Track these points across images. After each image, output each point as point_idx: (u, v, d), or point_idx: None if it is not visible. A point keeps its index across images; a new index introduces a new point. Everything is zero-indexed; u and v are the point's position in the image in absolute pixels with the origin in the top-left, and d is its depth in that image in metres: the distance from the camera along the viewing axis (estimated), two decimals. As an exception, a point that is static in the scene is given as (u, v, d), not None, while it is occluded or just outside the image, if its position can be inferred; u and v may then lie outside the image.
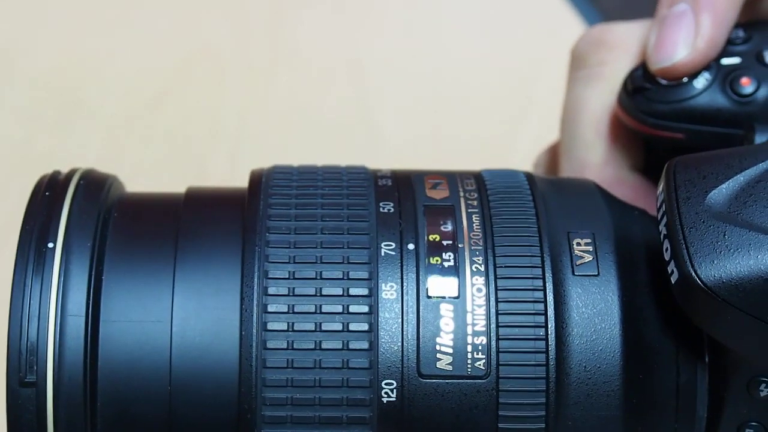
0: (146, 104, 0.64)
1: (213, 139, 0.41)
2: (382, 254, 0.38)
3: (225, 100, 0.66)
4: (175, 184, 0.43)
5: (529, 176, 0.41)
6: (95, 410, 0.37)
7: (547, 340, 0.37)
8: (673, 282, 0.37)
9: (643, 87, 0.44)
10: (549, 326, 0.37)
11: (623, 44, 0.46)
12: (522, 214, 0.39)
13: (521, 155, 0.42)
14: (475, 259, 0.38)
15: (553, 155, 0.50)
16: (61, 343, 0.37)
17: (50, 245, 0.38)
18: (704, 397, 0.38)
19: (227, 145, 0.39)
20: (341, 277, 0.37)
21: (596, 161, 0.45)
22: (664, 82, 0.43)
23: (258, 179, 0.41)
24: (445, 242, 0.38)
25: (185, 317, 0.37)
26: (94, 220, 0.39)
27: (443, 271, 0.38)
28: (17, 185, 0.63)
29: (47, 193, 0.40)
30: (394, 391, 0.37)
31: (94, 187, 0.41)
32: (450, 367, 0.37)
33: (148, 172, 0.58)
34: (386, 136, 0.42)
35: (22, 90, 0.70)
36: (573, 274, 0.38)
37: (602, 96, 0.46)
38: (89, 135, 0.39)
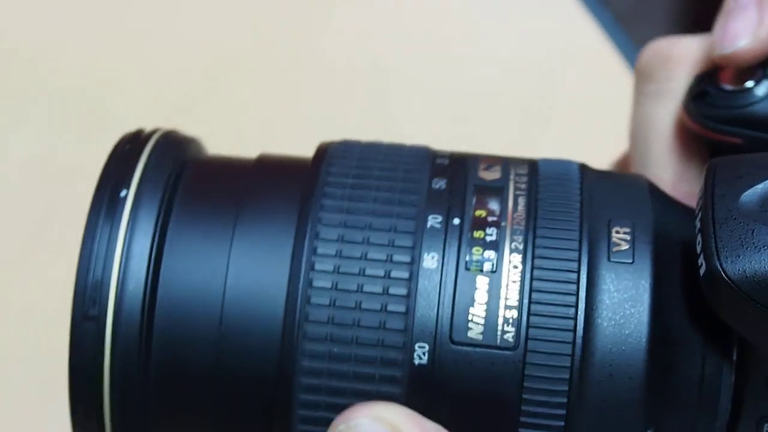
0: (172, 113, 0.66)
1: (240, 145, 0.43)
2: (428, 226, 0.40)
3: (251, 107, 0.68)
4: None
5: (582, 167, 0.43)
6: (150, 348, 0.40)
7: (575, 319, 0.38)
8: (701, 275, 0.38)
9: (706, 91, 0.45)
10: (579, 306, 0.38)
11: (689, 58, 0.46)
12: (567, 200, 0.41)
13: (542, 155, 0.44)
14: (515, 237, 0.40)
15: (623, 167, 0.51)
16: (123, 283, 0.40)
17: (123, 194, 0.41)
18: (729, 390, 0.39)
19: (254, 151, 0.42)
20: (386, 243, 0.40)
21: (669, 178, 0.46)
22: (728, 87, 0.44)
23: (324, 150, 0.43)
24: (489, 219, 0.40)
25: (239, 269, 0.40)
26: (166, 174, 0.42)
27: (484, 246, 0.39)
28: (43, 196, 0.66)
29: (127, 147, 0.43)
30: (426, 354, 0.39)
31: (172, 144, 0.44)
32: (480, 337, 0.39)
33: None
34: (409, 140, 0.44)
35: (47, 100, 0.72)
36: (608, 259, 0.39)
37: (671, 112, 0.46)
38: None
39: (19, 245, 0.64)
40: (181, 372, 0.40)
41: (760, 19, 0.44)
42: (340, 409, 0.39)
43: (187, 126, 0.43)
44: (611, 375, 0.38)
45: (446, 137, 0.48)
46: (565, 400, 0.38)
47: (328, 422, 0.39)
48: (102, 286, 0.40)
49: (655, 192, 0.43)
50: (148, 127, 0.43)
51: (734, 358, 0.39)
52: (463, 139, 0.47)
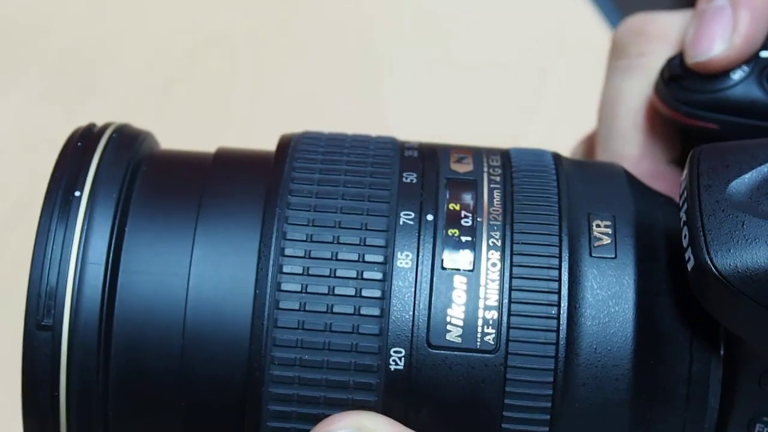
0: (159, 88, 0.65)
1: (225, 124, 0.41)
2: (401, 223, 0.38)
3: (237, 84, 0.66)
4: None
5: (556, 156, 0.41)
6: (109, 358, 0.38)
7: (558, 318, 0.37)
8: (689, 269, 0.36)
9: (680, 76, 0.43)
10: (562, 305, 0.37)
11: (664, 35, 0.45)
12: (544, 193, 0.39)
13: (534, 145, 0.42)
14: (492, 233, 0.38)
15: (590, 145, 0.50)
16: (80, 290, 0.37)
17: (77, 194, 0.38)
18: (717, 388, 0.38)
19: (239, 129, 0.39)
20: (358, 243, 0.38)
21: (633, 153, 0.45)
22: None
23: (287, 143, 0.41)
24: (464, 215, 0.38)
25: (202, 272, 0.38)
26: (122, 172, 0.40)
27: (459, 244, 0.38)
28: (28, 166, 0.64)
29: (79, 144, 0.40)
30: (402, 359, 0.37)
31: (126, 140, 0.41)
32: (459, 339, 0.37)
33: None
34: (397, 123, 0.42)
35: (35, 72, 0.70)
36: (590, 255, 0.38)
37: (641, 88, 0.45)
38: (102, 118, 0.40)
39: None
40: (143, 383, 0.38)
41: (734, 24, 0.42)
42: (312, 419, 0.37)
43: (173, 101, 0.41)
44: (597, 376, 0.37)
45: (439, 123, 0.46)
46: (549, 404, 0.37)
47: None
48: (57, 293, 0.37)
49: (633, 182, 0.41)
50: (136, 101, 0.41)
51: (722, 353, 0.38)
52: (455, 126, 0.45)
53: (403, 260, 0.37)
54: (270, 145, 0.42)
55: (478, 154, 0.41)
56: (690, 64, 0.43)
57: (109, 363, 0.38)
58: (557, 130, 0.49)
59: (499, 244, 0.38)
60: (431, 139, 0.42)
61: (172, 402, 0.38)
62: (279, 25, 0.69)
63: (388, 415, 0.37)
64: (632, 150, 0.45)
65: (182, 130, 0.52)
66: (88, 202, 0.38)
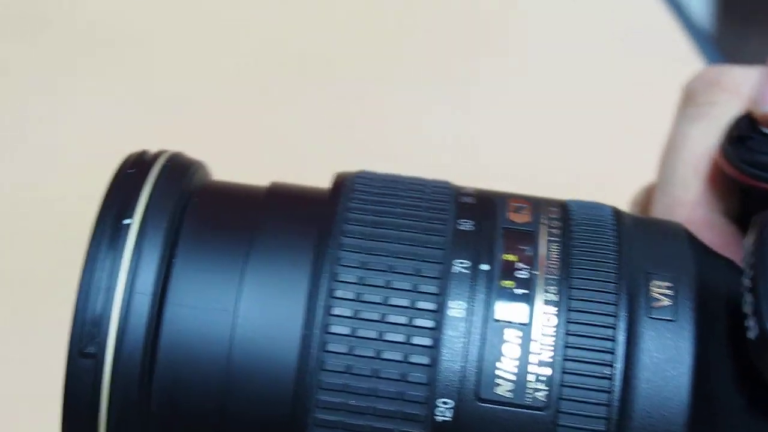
0: (224, 108, 0.64)
1: (284, 151, 0.40)
2: (455, 271, 0.37)
3: (301, 112, 0.65)
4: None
5: (615, 211, 0.40)
6: (151, 391, 0.37)
7: (612, 379, 0.36)
8: (751, 338, 0.35)
9: (746, 136, 0.43)
10: (617, 365, 0.36)
11: (736, 88, 0.45)
12: (603, 249, 0.38)
13: (614, 189, 0.41)
14: (549, 288, 0.37)
15: (651, 194, 0.49)
16: (125, 319, 0.37)
17: (126, 222, 0.38)
18: None
19: (296, 159, 0.39)
20: (410, 288, 0.37)
21: (690, 199, 0.45)
22: None
23: (341, 182, 0.40)
24: (520, 267, 0.37)
25: (250, 310, 0.37)
26: (173, 202, 0.39)
27: (514, 296, 0.37)
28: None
29: (131, 171, 0.40)
30: (450, 410, 0.36)
31: (179, 170, 0.41)
32: (510, 394, 0.36)
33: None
34: (484, 160, 0.41)
35: (107, 77, 0.70)
36: (648, 316, 0.37)
37: (706, 136, 0.45)
38: (165, 132, 0.40)
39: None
40: (185, 417, 0.37)
41: None
42: None
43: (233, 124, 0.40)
44: None
45: (523, 162, 0.45)
46: None
47: None
48: (102, 321, 0.37)
49: (694, 243, 0.40)
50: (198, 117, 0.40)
51: None
52: (539, 166, 0.44)
53: (456, 309, 0.37)
54: (326, 178, 0.41)
55: (536, 203, 0.40)
56: (758, 115, 0.42)
57: (150, 396, 0.37)
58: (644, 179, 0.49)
59: (555, 299, 0.37)
60: (520, 176, 0.41)
61: None
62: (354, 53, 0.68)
63: None
64: (689, 196, 0.45)
65: (239, 153, 0.51)
66: (138, 232, 0.38)
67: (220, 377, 0.37)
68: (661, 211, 0.46)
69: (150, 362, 0.37)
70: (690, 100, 0.46)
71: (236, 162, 0.44)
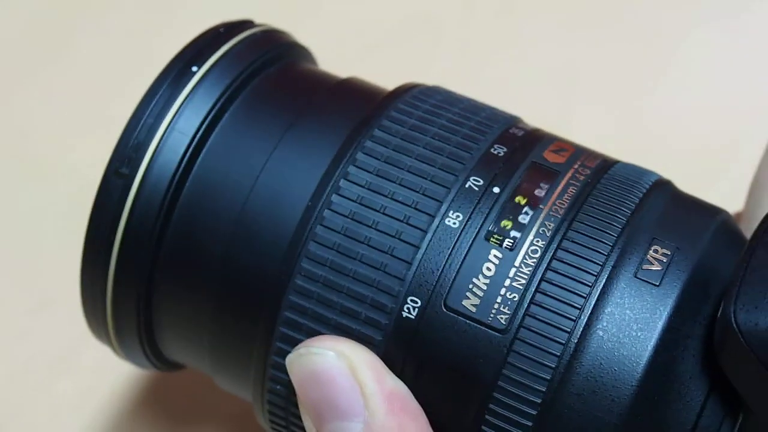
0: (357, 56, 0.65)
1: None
2: (466, 186, 0.38)
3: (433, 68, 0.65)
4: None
5: (659, 180, 0.40)
6: (169, 220, 0.40)
7: (576, 321, 0.36)
8: (717, 318, 0.35)
9: None
10: (585, 309, 0.36)
11: None
12: (620, 204, 0.38)
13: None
14: (547, 222, 0.37)
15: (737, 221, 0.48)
16: (160, 151, 0.40)
17: (194, 69, 0.41)
18: None
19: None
20: (417, 190, 0.38)
21: None
22: None
23: (406, 88, 0.42)
24: (531, 200, 0.38)
25: (272, 173, 0.40)
26: (244, 64, 0.42)
27: (513, 222, 0.38)
28: None
29: (222, 29, 0.43)
30: (416, 309, 0.37)
31: (269, 40, 0.43)
32: (474, 309, 0.37)
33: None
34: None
35: None
36: (634, 275, 0.37)
37: None
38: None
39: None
40: (192, 251, 0.40)
41: None
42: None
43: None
44: (594, 391, 0.36)
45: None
46: (539, 400, 0.36)
47: None
48: (140, 148, 0.40)
49: (727, 228, 0.39)
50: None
51: (739, 420, 0.36)
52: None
53: (452, 219, 0.38)
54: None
55: (578, 152, 0.40)
56: None
57: (167, 226, 0.40)
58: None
59: (548, 234, 0.37)
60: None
61: (210, 276, 0.40)
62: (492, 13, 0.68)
63: (386, 356, 0.37)
64: None
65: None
66: (199, 79, 0.41)
67: (231, 224, 0.39)
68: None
69: (173, 195, 0.40)
70: None
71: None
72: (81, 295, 0.42)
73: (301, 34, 0.47)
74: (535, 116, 0.45)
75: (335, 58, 0.50)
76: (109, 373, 0.56)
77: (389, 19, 0.68)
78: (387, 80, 0.45)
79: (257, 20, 0.45)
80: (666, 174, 0.42)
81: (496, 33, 0.67)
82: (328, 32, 0.66)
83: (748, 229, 0.44)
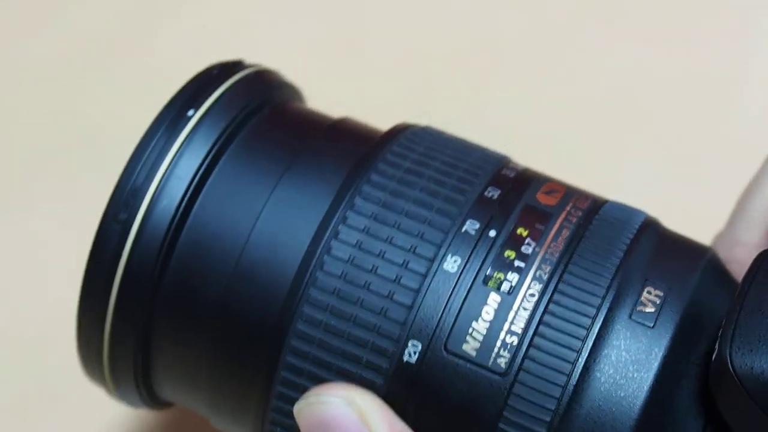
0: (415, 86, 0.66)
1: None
2: (463, 230, 0.39)
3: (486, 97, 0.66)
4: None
5: (647, 220, 0.41)
6: (166, 267, 0.40)
7: (574, 364, 0.37)
8: (712, 360, 0.36)
9: None
10: (582, 352, 0.37)
11: None
12: (611, 246, 0.39)
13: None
14: (543, 266, 0.38)
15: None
16: (159, 197, 0.40)
17: (190, 113, 0.41)
18: None
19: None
20: (415, 234, 0.39)
21: (751, 241, 0.45)
22: None
23: (399, 129, 0.43)
24: (527, 242, 0.39)
25: (271, 217, 0.40)
26: (239, 107, 0.42)
27: (510, 267, 0.38)
28: None
29: (215, 72, 0.43)
30: (417, 353, 0.38)
31: (261, 82, 0.44)
32: (474, 353, 0.37)
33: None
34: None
35: None
36: (629, 317, 0.38)
37: None
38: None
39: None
40: (190, 298, 0.40)
41: None
42: (320, 381, 0.39)
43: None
44: None
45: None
46: None
47: (305, 390, 0.39)
48: (138, 194, 0.40)
49: (714, 267, 0.40)
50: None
51: None
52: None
53: (451, 263, 0.38)
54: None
55: (570, 193, 0.41)
56: None
57: (165, 272, 0.40)
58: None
59: (545, 278, 0.38)
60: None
61: (208, 324, 0.40)
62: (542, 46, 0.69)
63: (388, 400, 0.38)
64: (752, 238, 0.45)
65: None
66: (195, 124, 0.41)
67: (229, 272, 0.40)
68: (721, 246, 0.46)
69: (171, 242, 0.40)
70: None
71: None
72: (77, 338, 0.42)
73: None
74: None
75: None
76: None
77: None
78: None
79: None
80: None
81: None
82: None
83: (726, 238, 0.45)
